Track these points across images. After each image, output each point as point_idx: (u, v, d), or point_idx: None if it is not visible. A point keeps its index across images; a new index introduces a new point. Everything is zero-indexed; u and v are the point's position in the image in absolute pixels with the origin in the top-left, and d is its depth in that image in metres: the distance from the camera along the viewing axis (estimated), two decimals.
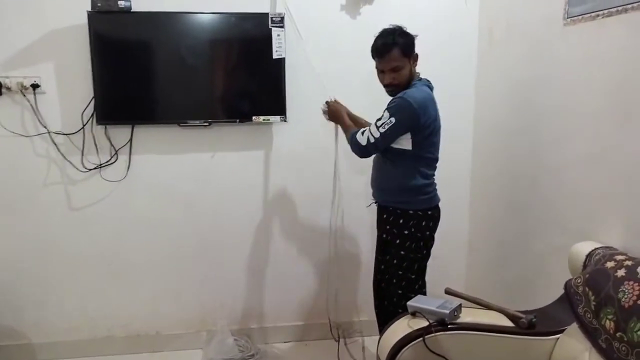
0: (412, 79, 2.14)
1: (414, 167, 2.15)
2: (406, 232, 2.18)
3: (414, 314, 1.76)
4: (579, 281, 1.61)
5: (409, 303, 1.78)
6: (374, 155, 2.25)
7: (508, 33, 2.50)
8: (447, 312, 1.68)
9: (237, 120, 2.62)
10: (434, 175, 2.24)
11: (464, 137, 2.86)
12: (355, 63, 2.64)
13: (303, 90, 2.64)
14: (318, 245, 2.84)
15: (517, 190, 2.43)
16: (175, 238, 2.75)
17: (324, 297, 2.87)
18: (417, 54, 2.14)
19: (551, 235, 2.14)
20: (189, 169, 2.69)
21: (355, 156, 2.20)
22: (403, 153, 2.12)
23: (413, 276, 2.23)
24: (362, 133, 2.11)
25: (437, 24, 2.70)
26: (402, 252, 2.20)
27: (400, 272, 2.22)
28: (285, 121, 2.64)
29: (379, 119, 2.06)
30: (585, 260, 1.67)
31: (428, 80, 2.20)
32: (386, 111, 2.06)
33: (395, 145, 2.12)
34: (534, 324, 1.69)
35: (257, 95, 2.65)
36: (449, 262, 2.92)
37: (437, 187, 2.27)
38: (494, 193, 2.68)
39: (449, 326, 1.67)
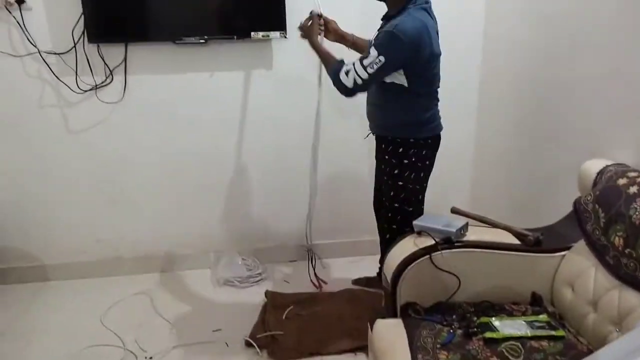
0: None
1: (414, 102, 2.03)
2: (406, 161, 2.08)
3: (420, 232, 1.75)
4: (588, 198, 1.59)
5: (414, 222, 1.77)
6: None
7: None
8: (454, 230, 1.67)
9: (235, 37, 2.50)
10: (436, 105, 2.13)
11: (472, 52, 2.74)
12: None
13: (304, 4, 2.48)
14: (313, 167, 2.79)
15: (525, 107, 2.36)
16: (176, 160, 2.72)
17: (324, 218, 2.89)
18: None
19: (560, 153, 2.10)
20: (187, 89, 2.61)
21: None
22: (400, 89, 1.99)
23: (410, 209, 2.16)
24: (347, 73, 1.90)
25: None
26: (400, 183, 2.11)
27: (396, 205, 2.16)
28: (285, 37, 2.51)
29: (365, 57, 1.87)
30: (596, 177, 1.64)
31: (426, 3, 1.96)
32: (373, 48, 1.86)
33: (389, 80, 1.98)
34: (540, 241, 1.69)
35: (255, 9, 2.50)
36: (454, 180, 2.92)
37: (438, 114, 2.15)
38: (501, 110, 2.61)
39: (455, 244, 1.67)
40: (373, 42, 1.95)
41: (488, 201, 2.80)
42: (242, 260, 2.80)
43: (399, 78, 1.97)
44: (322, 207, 2.87)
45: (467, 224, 1.73)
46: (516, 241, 1.72)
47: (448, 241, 1.67)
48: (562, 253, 1.67)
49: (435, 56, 1.99)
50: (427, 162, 2.14)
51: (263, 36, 2.49)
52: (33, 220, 2.70)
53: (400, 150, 2.09)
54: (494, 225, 1.81)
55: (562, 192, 2.00)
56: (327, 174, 2.85)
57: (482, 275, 1.69)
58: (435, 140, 2.15)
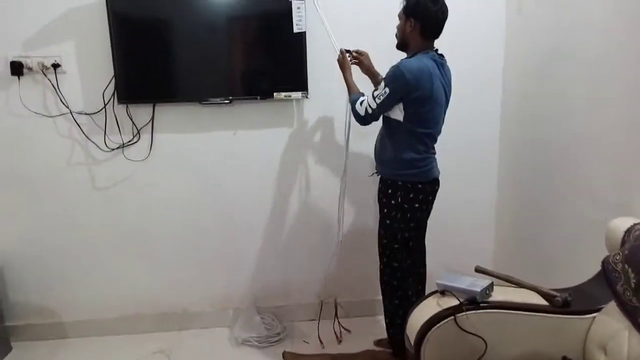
0: (407, 42, 2.14)
1: (406, 141, 2.16)
2: (393, 202, 2.22)
3: (443, 292, 1.71)
4: (617, 258, 1.55)
5: (437, 281, 1.74)
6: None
7: None
8: (479, 290, 1.63)
9: (258, 97, 2.57)
10: (428, 150, 2.20)
11: (492, 106, 2.77)
12: (377, 35, 2.56)
13: (325, 65, 2.57)
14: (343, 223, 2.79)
15: (547, 161, 2.35)
16: (199, 216, 2.74)
17: (348, 275, 2.85)
18: (414, 21, 2.07)
19: (585, 208, 2.06)
20: (211, 147, 2.67)
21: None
22: (397, 124, 2.15)
23: (396, 246, 2.25)
24: (361, 103, 2.17)
25: None
26: (387, 222, 2.25)
27: (385, 241, 2.28)
28: (307, 97, 2.59)
29: (376, 90, 2.11)
30: (624, 236, 1.60)
31: (439, 55, 2.16)
32: (382, 81, 2.10)
33: (389, 114, 2.16)
34: (569, 303, 1.63)
35: (277, 71, 2.60)
36: (475, 238, 2.88)
37: (434, 162, 2.24)
38: (522, 164, 2.60)
39: (480, 305, 1.62)
40: (383, 77, 2.14)
41: (511, 259, 2.74)
42: (261, 318, 2.76)
43: (397, 113, 2.13)
44: (344, 264, 2.83)
45: (492, 284, 1.69)
46: (544, 302, 1.67)
47: (473, 302, 1.63)
48: (593, 315, 1.60)
49: (433, 100, 2.10)
50: (417, 205, 2.21)
51: (285, 96, 2.56)
52: (54, 276, 2.72)
53: (390, 191, 2.23)
54: (520, 285, 1.76)
55: (589, 249, 1.95)
56: (350, 231, 2.83)
57: (510, 338, 1.63)
58: (427, 186, 2.21)
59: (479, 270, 1.85)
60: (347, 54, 2.37)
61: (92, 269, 2.74)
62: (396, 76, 2.04)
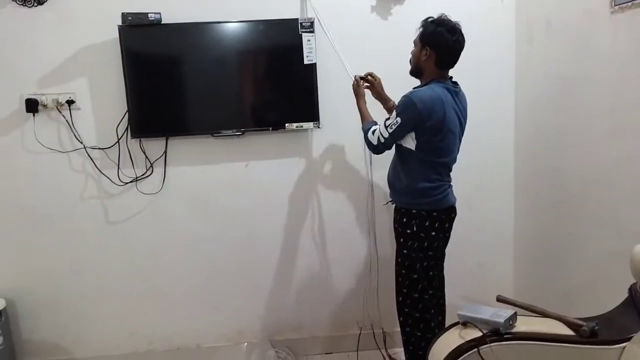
0: (422, 70, 2.14)
1: (418, 170, 2.14)
2: (409, 231, 2.18)
3: (465, 323, 1.66)
4: None
5: (459, 312, 1.69)
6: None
7: (548, 29, 2.39)
8: (502, 321, 1.58)
9: (270, 128, 2.59)
10: (441, 179, 2.16)
11: (505, 137, 2.75)
12: (387, 64, 2.58)
13: (336, 95, 2.58)
14: (356, 254, 2.78)
15: (566, 190, 2.31)
16: (211, 250, 2.72)
17: (362, 306, 2.79)
18: (430, 50, 2.07)
19: (606, 237, 2.02)
20: (223, 179, 2.67)
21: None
22: (409, 153, 2.14)
23: (415, 276, 2.20)
24: (373, 132, 2.16)
25: (472, 22, 2.56)
26: (405, 251, 2.21)
27: (403, 272, 2.24)
28: (318, 127, 2.59)
29: (388, 119, 2.11)
30: None
31: (453, 83, 2.15)
32: (394, 110, 2.10)
33: (402, 143, 2.15)
34: (596, 332, 1.58)
35: (289, 102, 2.61)
36: (493, 267, 2.83)
37: (449, 189, 2.20)
38: (540, 194, 2.57)
39: (504, 336, 1.57)
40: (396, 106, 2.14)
41: (531, 289, 2.68)
42: (276, 352, 2.70)
43: (409, 141, 2.12)
44: (360, 296, 2.79)
45: (515, 314, 1.64)
46: (570, 332, 1.61)
47: (496, 333, 1.58)
48: (622, 345, 1.54)
49: (446, 129, 2.07)
50: (433, 234, 2.17)
51: (297, 127, 2.57)
52: (66, 313, 2.70)
53: (404, 220, 2.20)
54: (544, 314, 1.71)
55: (612, 278, 1.90)
56: (365, 262, 2.79)
57: None
58: (442, 213, 2.17)
59: (500, 299, 1.80)
60: (362, 81, 2.38)
61: (104, 304, 2.71)
62: (408, 106, 2.03)
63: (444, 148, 2.12)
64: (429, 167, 2.13)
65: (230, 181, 2.68)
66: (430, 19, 2.11)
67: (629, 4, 1.80)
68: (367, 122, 2.26)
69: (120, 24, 2.39)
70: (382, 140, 2.12)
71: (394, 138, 2.12)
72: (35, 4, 2.44)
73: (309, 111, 2.57)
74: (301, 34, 2.50)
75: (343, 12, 2.59)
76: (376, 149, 2.18)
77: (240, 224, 2.72)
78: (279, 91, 2.63)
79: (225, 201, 2.69)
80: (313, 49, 2.51)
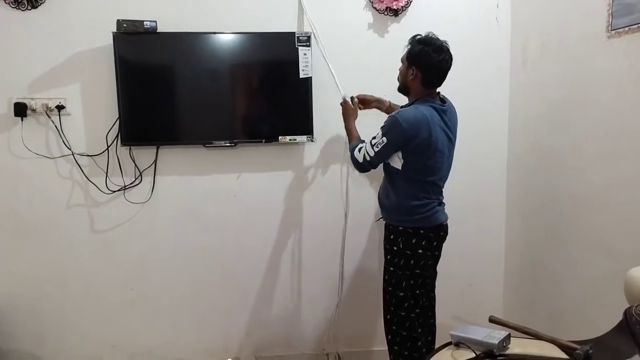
0: (408, 89, 2.14)
1: (406, 188, 2.13)
2: (395, 248, 2.17)
3: (458, 344, 1.64)
4: None
5: (451, 332, 1.67)
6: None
7: (543, 50, 2.41)
8: (496, 342, 1.56)
9: (263, 141, 2.56)
10: (429, 197, 2.14)
11: (498, 157, 2.76)
12: (384, 81, 2.58)
13: (330, 110, 2.57)
14: (347, 271, 2.74)
15: (558, 211, 2.32)
16: (198, 262, 2.67)
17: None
18: (416, 70, 2.06)
19: (599, 258, 2.02)
20: (213, 191, 2.63)
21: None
22: (396, 172, 2.13)
23: (402, 294, 2.17)
24: (359, 150, 2.15)
25: (466, 42, 2.63)
26: (392, 268, 2.19)
27: (390, 289, 2.22)
28: (312, 141, 2.57)
29: (374, 137, 2.09)
30: None
31: (441, 100, 2.14)
32: (380, 129, 2.08)
33: (389, 162, 2.15)
34: (590, 356, 1.56)
35: (283, 115, 2.60)
36: (485, 288, 2.81)
37: (437, 206, 2.16)
38: (531, 215, 2.57)
39: (498, 358, 1.55)
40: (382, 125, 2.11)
41: (522, 310, 2.66)
42: None
43: (396, 161, 2.11)
44: (348, 312, 2.75)
45: (509, 335, 1.63)
46: (563, 355, 1.59)
47: (490, 355, 1.56)
48: None
49: (433, 149, 2.06)
50: (420, 251, 2.14)
51: (290, 140, 2.55)
52: (47, 322, 2.61)
53: (391, 237, 2.19)
54: (537, 336, 1.69)
55: (605, 299, 1.90)
56: (355, 278, 2.76)
57: None
58: (429, 231, 2.14)
59: (493, 320, 1.78)
60: (354, 100, 2.38)
61: (85, 315, 2.63)
62: (393, 126, 2.02)
63: (431, 167, 2.10)
64: (416, 185, 2.11)
65: (220, 193, 2.64)
66: (417, 37, 2.10)
67: (626, 28, 1.82)
68: (354, 141, 2.26)
69: (115, 30, 2.36)
70: (368, 158, 2.11)
71: (379, 157, 2.11)
72: (29, 8, 2.40)
73: (303, 125, 2.55)
74: (298, 48, 2.50)
75: (340, 28, 2.59)
76: (361, 166, 2.17)
77: (229, 236, 2.67)
78: (273, 103, 2.61)
79: (215, 213, 2.65)
80: (309, 63, 2.51)
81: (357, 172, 2.31)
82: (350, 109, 2.36)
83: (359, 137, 2.28)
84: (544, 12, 2.39)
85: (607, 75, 1.95)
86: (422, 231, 2.13)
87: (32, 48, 2.43)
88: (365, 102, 2.43)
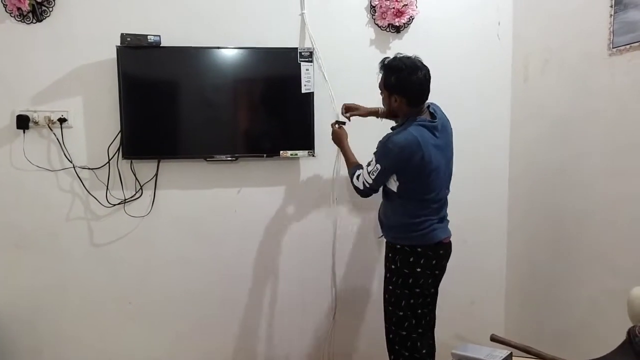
0: (396, 113, 2.13)
1: (402, 206, 2.13)
2: (393, 266, 2.15)
3: None
4: None
5: (453, 351, 1.65)
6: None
7: (544, 67, 2.42)
8: None
9: (264, 155, 2.56)
10: (427, 215, 2.10)
11: (499, 174, 2.76)
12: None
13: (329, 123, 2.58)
14: (341, 286, 2.72)
15: (560, 228, 2.30)
16: (197, 277, 2.65)
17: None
18: (399, 97, 2.04)
19: (602, 276, 2.00)
20: (214, 205, 2.62)
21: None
22: (392, 192, 2.13)
23: (401, 313, 2.14)
24: (358, 177, 2.15)
25: (468, 58, 2.65)
26: (390, 287, 2.18)
27: (390, 308, 2.19)
28: (313, 156, 2.57)
29: (369, 164, 2.09)
30: None
31: (431, 115, 2.09)
32: (374, 155, 2.08)
33: (386, 184, 2.15)
34: None
35: (284, 130, 2.60)
36: (487, 306, 2.79)
37: (435, 224, 2.12)
38: (533, 232, 2.55)
39: None
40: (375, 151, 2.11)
41: (523, 329, 2.63)
42: None
43: (392, 183, 2.11)
44: (345, 329, 2.73)
45: (511, 355, 1.61)
46: None
47: None
48: None
49: (428, 169, 2.03)
50: (418, 270, 2.10)
51: (292, 155, 2.55)
52: (44, 335, 2.58)
53: (389, 255, 2.18)
54: (539, 356, 1.67)
55: (608, 317, 1.87)
56: (354, 295, 2.74)
57: None
58: (427, 249, 2.10)
59: (495, 339, 1.76)
60: (343, 121, 2.39)
61: (83, 329, 2.61)
62: (385, 152, 2.03)
63: (427, 185, 2.08)
64: (413, 203, 2.10)
65: (221, 207, 2.63)
66: (387, 64, 2.07)
67: (627, 46, 1.83)
68: (352, 167, 2.24)
69: (119, 44, 2.38)
70: (367, 185, 2.11)
71: (378, 183, 2.11)
72: (34, 21, 2.42)
73: (305, 139, 2.55)
74: (300, 63, 2.51)
75: (342, 44, 2.61)
76: (363, 193, 2.17)
77: (228, 251, 2.65)
78: (275, 118, 2.61)
79: (215, 227, 2.63)
80: (311, 79, 2.52)
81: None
82: (338, 132, 2.36)
83: (356, 161, 2.27)
84: (546, 30, 2.40)
85: (609, 92, 1.95)
86: (419, 249, 2.09)
87: (36, 61, 2.44)
88: (351, 110, 2.40)
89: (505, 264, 2.80)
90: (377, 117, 2.39)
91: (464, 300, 2.75)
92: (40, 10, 2.41)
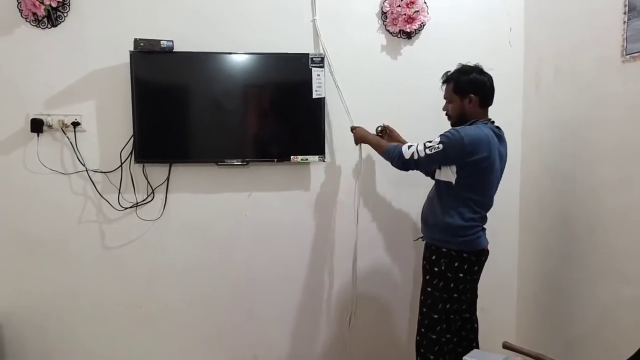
0: (467, 116, 2.14)
1: (455, 206, 2.10)
2: (436, 269, 2.14)
3: None
4: None
5: (465, 358, 1.64)
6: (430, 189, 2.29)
7: (556, 75, 2.41)
8: None
9: (275, 160, 2.57)
10: (476, 218, 2.12)
11: (511, 180, 2.72)
12: (396, 103, 2.61)
13: (342, 130, 2.59)
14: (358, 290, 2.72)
15: (572, 236, 2.28)
16: (208, 282, 2.66)
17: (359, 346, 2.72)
18: (474, 97, 2.12)
19: (614, 283, 1.98)
20: (224, 209, 2.63)
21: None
22: (447, 187, 2.11)
23: (435, 316, 2.15)
24: (409, 147, 2.12)
25: (480, 64, 2.64)
26: (429, 289, 2.17)
27: (424, 310, 2.20)
28: (324, 161, 2.58)
29: (429, 141, 2.08)
30: None
31: (497, 127, 2.16)
32: (439, 136, 2.07)
33: (440, 177, 2.14)
34: None
35: (295, 134, 2.60)
36: (497, 313, 2.77)
37: (481, 231, 2.16)
38: (545, 238, 2.54)
39: None
40: (442, 133, 2.11)
41: (536, 334, 2.61)
42: None
43: (449, 175, 2.09)
44: (360, 336, 2.73)
45: None
46: None
47: None
48: None
49: (489, 169, 2.07)
50: (461, 275, 2.11)
51: (302, 160, 2.55)
52: (55, 339, 2.59)
53: (434, 257, 2.16)
54: None
55: (620, 325, 1.86)
56: (366, 300, 2.74)
57: None
58: (472, 255, 2.12)
59: (507, 346, 1.75)
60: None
61: (93, 334, 2.61)
62: (454, 138, 2.03)
63: (483, 186, 2.11)
64: (465, 204, 2.10)
65: (231, 211, 2.64)
66: (457, 69, 2.18)
67: None
68: (391, 145, 2.25)
69: (132, 49, 2.40)
70: (416, 157, 2.09)
71: (429, 161, 2.09)
72: (49, 26, 2.45)
73: (315, 144, 2.56)
74: (311, 69, 2.52)
75: (354, 50, 2.62)
76: (406, 163, 2.13)
77: (239, 255, 2.66)
78: (286, 123, 2.62)
79: (225, 231, 2.64)
80: (322, 84, 2.53)
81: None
82: (359, 130, 2.45)
83: (392, 143, 2.30)
84: (557, 36, 2.40)
85: (622, 99, 1.94)
86: (465, 254, 2.10)
87: (51, 65, 2.46)
88: (390, 135, 2.50)
89: (516, 270, 2.79)
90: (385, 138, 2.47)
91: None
92: (55, 15, 2.44)
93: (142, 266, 2.61)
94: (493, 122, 2.17)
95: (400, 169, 2.19)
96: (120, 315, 2.62)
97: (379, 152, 2.34)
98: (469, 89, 2.12)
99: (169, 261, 2.62)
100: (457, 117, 2.18)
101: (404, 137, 2.48)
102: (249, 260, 2.67)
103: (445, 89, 2.22)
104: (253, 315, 2.70)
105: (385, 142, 2.33)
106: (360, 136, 2.46)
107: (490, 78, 2.16)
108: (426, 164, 2.13)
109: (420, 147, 2.08)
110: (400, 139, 2.48)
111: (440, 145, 2.03)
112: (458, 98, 2.15)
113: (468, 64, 2.19)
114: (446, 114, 2.24)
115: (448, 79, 2.20)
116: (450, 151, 2.03)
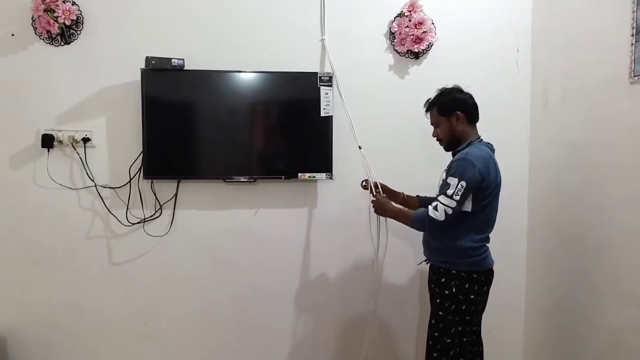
0: (458, 136, 2.14)
1: (464, 229, 2.06)
2: (447, 292, 2.09)
3: None
4: None
5: None
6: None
7: (564, 95, 2.42)
8: None
9: (282, 177, 2.58)
10: (483, 238, 2.11)
11: (518, 201, 2.73)
12: (403, 122, 2.63)
13: (349, 148, 2.59)
14: (360, 311, 2.69)
15: (581, 257, 2.27)
16: (213, 298, 2.66)
17: None
18: (459, 113, 2.11)
19: (624, 305, 1.96)
20: (232, 225, 2.64)
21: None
22: (465, 215, 2.04)
23: (448, 340, 2.09)
24: (435, 208, 2.01)
25: (487, 85, 2.65)
26: (440, 313, 2.11)
27: (436, 334, 2.13)
28: (331, 178, 2.58)
29: (448, 188, 1.99)
30: None
31: (489, 143, 2.17)
32: (451, 177, 2.00)
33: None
34: None
35: (303, 152, 2.62)
36: (504, 335, 2.74)
37: (488, 250, 2.14)
38: (552, 260, 2.52)
39: None
40: (446, 175, 2.08)
41: (543, 358, 2.57)
42: None
43: (466, 204, 2.03)
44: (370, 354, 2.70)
45: None
46: None
47: None
48: None
49: (497, 189, 2.07)
50: (472, 297, 2.08)
51: (310, 177, 2.56)
52: (60, 355, 2.59)
53: (443, 280, 2.11)
54: None
55: (630, 348, 1.83)
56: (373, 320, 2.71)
57: None
58: (481, 275, 2.10)
59: None
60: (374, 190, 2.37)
61: (98, 349, 2.61)
62: (468, 167, 1.98)
63: (492, 207, 2.10)
64: (475, 226, 2.07)
65: (238, 228, 2.64)
66: (437, 95, 2.19)
67: None
68: (414, 213, 2.14)
69: (144, 67, 2.44)
70: (450, 211, 1.98)
71: (460, 204, 2.00)
72: (62, 44, 2.50)
73: (323, 162, 2.57)
74: (319, 87, 2.55)
75: (361, 69, 2.65)
76: (442, 225, 2.01)
77: (244, 272, 2.66)
78: (294, 141, 2.63)
79: (232, 248, 2.65)
80: (330, 102, 2.55)
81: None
82: (381, 201, 2.30)
83: (408, 210, 2.22)
84: (565, 57, 2.41)
85: (630, 120, 1.94)
86: (474, 275, 2.07)
87: (63, 82, 2.50)
88: (384, 191, 2.41)
89: (524, 291, 2.76)
90: (397, 202, 2.38)
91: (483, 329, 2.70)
92: (68, 33, 2.48)
93: (148, 281, 2.61)
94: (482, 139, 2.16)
95: (440, 232, 2.08)
96: (125, 329, 2.62)
97: (405, 224, 2.18)
98: (453, 107, 2.12)
99: (175, 276, 2.62)
100: (448, 139, 2.16)
101: (410, 157, 2.50)
102: (255, 278, 2.66)
103: (431, 115, 2.20)
104: (257, 332, 2.69)
105: (407, 211, 2.20)
106: (381, 211, 2.31)
107: (470, 96, 2.15)
108: (459, 209, 2.01)
109: (447, 201, 1.99)
110: (394, 191, 2.43)
111: (463, 182, 1.97)
112: (444, 119, 2.14)
113: (446, 87, 2.19)
114: (437, 139, 2.20)
115: (431, 104, 2.19)
116: (471, 180, 1.97)
